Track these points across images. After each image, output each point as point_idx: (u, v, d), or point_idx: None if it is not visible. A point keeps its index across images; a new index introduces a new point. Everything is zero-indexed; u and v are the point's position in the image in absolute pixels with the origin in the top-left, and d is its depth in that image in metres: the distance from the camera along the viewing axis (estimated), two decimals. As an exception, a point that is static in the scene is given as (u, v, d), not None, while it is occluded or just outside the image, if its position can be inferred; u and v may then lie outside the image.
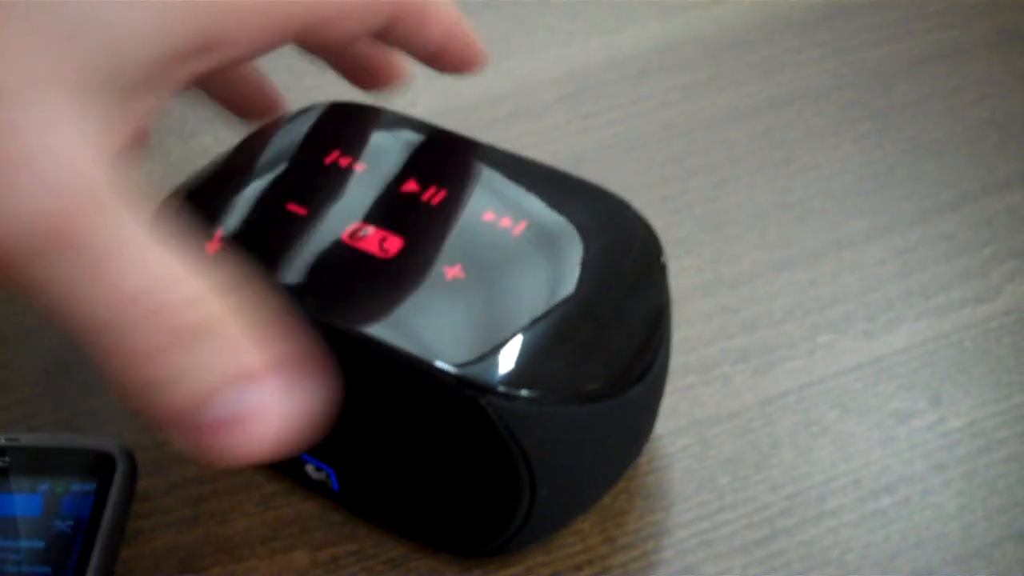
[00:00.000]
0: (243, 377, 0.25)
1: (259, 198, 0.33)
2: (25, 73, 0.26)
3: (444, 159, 0.34)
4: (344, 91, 0.38)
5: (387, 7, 0.33)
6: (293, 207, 0.33)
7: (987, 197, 0.44)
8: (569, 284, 0.31)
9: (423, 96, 0.48)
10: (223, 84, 0.38)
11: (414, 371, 0.30)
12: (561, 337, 0.30)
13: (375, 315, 0.30)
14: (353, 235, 0.32)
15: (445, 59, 0.35)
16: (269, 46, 0.31)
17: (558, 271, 0.31)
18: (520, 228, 0.32)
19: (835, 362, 0.39)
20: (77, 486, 0.35)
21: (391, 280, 0.31)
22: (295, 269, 0.31)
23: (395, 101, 0.48)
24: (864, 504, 0.36)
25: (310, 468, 0.34)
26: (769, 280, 0.42)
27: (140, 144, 0.30)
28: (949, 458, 0.37)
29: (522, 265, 0.31)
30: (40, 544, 0.33)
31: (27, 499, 0.35)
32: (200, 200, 0.33)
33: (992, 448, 0.37)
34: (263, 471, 0.36)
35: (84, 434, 0.36)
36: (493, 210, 0.32)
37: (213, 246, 0.32)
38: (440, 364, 0.29)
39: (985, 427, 0.37)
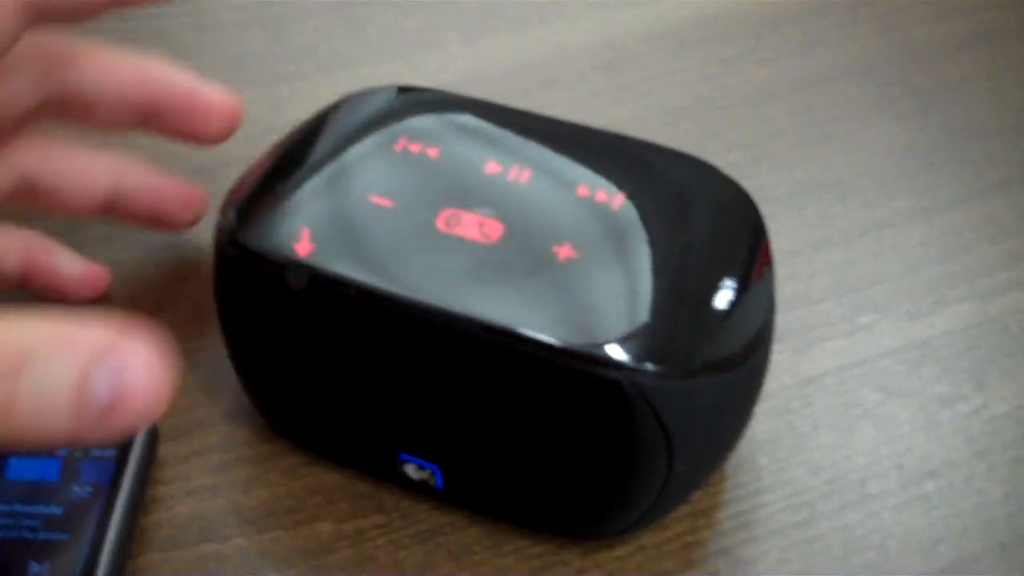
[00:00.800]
0: (91, 362, 0.24)
1: (338, 192, 0.32)
2: None
3: (517, 136, 0.33)
4: (388, 71, 0.37)
5: None
6: (377, 199, 0.31)
7: (1032, 180, 0.43)
8: (681, 254, 0.30)
9: (454, 63, 0.47)
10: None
11: (543, 356, 0.28)
12: (685, 307, 0.29)
13: (493, 302, 0.29)
14: (448, 223, 0.31)
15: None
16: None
17: (667, 242, 0.30)
18: (619, 201, 0.31)
19: (876, 343, 0.38)
20: (96, 451, 0.34)
21: (502, 265, 0.30)
22: (397, 264, 0.30)
23: (424, 68, 0.47)
24: (907, 489, 0.35)
25: (410, 468, 0.33)
26: (808, 258, 0.41)
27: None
28: (994, 444, 0.36)
29: (630, 239, 0.30)
30: (58, 510, 0.33)
31: (45, 463, 0.34)
32: (271, 197, 0.32)
33: (1038, 435, 0.36)
34: (348, 472, 0.35)
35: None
36: (585, 184, 0.31)
37: (304, 247, 0.30)
38: (572, 346, 0.28)
39: (1031, 413, 0.36)
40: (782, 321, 0.39)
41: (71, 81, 0.34)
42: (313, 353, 0.32)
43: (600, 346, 0.28)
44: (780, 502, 0.34)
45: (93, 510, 0.33)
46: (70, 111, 0.35)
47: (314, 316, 0.31)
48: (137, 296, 0.39)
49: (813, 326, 0.39)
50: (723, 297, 0.30)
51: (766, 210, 0.42)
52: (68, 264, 0.38)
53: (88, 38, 0.35)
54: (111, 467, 0.33)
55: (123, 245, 0.41)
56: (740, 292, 0.30)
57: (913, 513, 0.34)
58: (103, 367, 0.24)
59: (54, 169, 0.35)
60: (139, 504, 0.33)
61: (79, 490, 0.33)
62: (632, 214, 0.31)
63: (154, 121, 0.36)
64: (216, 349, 0.38)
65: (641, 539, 0.34)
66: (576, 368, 0.28)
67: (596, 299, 0.29)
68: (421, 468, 0.33)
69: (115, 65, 0.35)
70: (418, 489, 0.34)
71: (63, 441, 0.25)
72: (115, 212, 0.37)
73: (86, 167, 0.36)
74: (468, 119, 0.33)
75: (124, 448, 0.34)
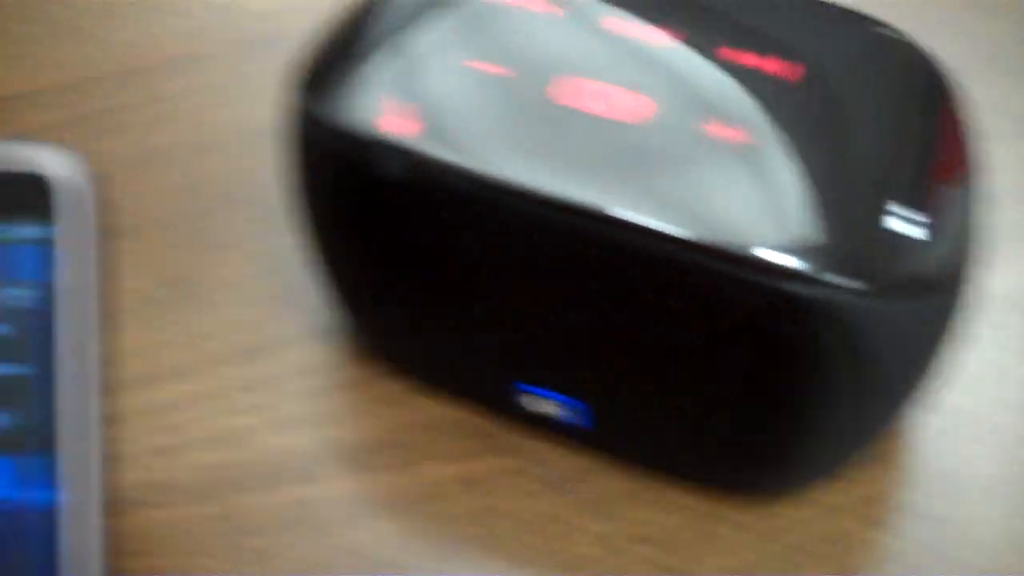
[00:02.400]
0: None
1: (435, 59, 0.27)
2: None
3: None
4: None
5: None
6: (482, 66, 0.26)
7: None
8: (878, 142, 0.25)
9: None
10: None
11: (708, 265, 0.24)
12: (887, 212, 0.24)
13: (645, 198, 0.24)
14: (578, 96, 0.26)
15: None
16: None
17: (859, 127, 0.25)
18: (798, 74, 0.26)
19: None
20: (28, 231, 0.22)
21: (654, 152, 0.25)
22: (519, 149, 0.25)
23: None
24: None
25: (538, 401, 0.29)
26: (1012, 144, 0.34)
27: None
28: None
29: (814, 121, 0.25)
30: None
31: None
32: (352, 67, 0.27)
33: None
34: (461, 404, 0.30)
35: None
36: (753, 52, 0.26)
37: (412, 126, 0.26)
38: (747, 253, 0.24)
39: None
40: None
41: None
42: (416, 257, 0.27)
43: (782, 254, 0.24)
44: (992, 452, 0.29)
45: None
46: None
47: (414, 211, 0.26)
48: (198, 184, 0.34)
49: None
50: (929, 199, 0.25)
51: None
52: None
53: None
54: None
55: (182, 126, 0.35)
56: (947, 192, 0.25)
57: None
58: None
59: None
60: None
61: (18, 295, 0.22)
62: (813, 90, 0.26)
63: None
64: (299, 248, 0.33)
65: (814, 494, 0.28)
66: (750, 280, 0.24)
67: (777, 196, 0.24)
68: (551, 402, 0.28)
69: None
70: (547, 427, 0.29)
71: None
72: None
73: None
74: None
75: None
